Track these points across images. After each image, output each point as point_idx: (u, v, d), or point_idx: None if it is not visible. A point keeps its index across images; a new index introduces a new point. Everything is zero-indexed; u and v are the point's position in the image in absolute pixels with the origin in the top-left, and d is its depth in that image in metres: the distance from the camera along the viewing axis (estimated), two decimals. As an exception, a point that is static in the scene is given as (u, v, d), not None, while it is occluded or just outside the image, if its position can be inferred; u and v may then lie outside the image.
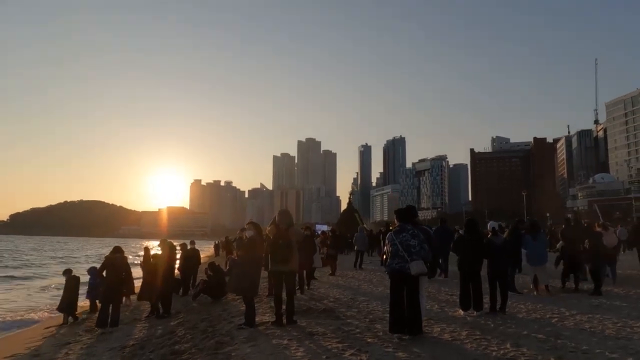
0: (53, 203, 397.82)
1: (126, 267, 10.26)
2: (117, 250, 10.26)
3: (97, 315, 10.35)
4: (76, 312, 11.85)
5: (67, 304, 11.48)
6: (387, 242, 6.20)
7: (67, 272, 12.01)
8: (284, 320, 7.07)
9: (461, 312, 7.98)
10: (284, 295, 7.24)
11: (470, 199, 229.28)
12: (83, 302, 13.07)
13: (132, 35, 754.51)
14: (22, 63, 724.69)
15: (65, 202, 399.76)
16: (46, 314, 15.08)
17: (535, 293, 10.46)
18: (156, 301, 10.46)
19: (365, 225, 55.66)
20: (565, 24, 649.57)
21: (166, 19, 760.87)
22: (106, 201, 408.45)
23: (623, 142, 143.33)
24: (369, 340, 5.98)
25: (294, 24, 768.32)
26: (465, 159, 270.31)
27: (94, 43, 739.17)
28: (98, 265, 11.20)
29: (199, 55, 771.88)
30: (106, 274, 9.99)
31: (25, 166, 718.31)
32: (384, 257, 6.41)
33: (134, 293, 12.25)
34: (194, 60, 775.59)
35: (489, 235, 8.47)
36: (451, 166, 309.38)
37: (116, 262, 9.98)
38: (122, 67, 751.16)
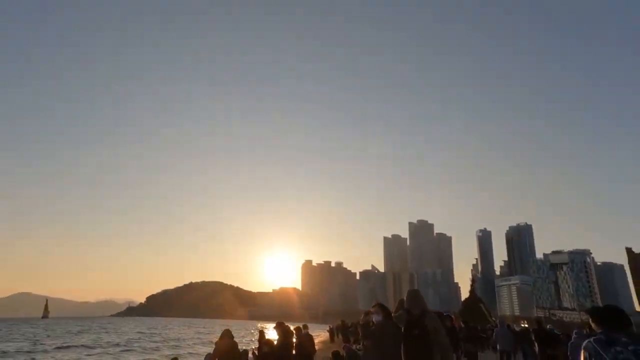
0: (180, 285, 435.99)
1: (237, 354, 9.54)
2: (227, 335, 9.56)
3: None
4: None
5: None
6: (585, 354, 4.12)
7: None
8: None
9: None
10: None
11: (636, 306, 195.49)
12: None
13: (236, 117, 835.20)
14: (147, 157, 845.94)
15: (191, 283, 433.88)
16: None
17: None
18: None
19: (494, 318, 50.25)
20: None
21: (276, 107, 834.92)
22: (224, 282, 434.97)
23: None
24: None
25: (405, 103, 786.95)
26: (616, 258, 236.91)
27: (201, 129, 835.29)
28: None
29: (312, 136, 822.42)
30: None
31: (158, 253, 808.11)
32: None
33: None
34: (307, 142, 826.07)
35: None
36: (598, 263, 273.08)
37: (226, 349, 9.31)
38: (235, 157, 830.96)
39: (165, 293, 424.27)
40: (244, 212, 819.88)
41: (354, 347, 20.56)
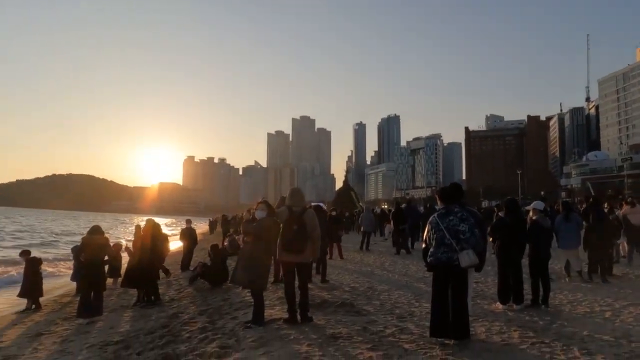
0: (40, 175, 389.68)
1: (108, 249, 9.11)
2: (96, 231, 8.99)
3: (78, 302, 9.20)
4: (40, 298, 10.32)
5: (28, 290, 10.04)
6: (428, 227, 5.04)
7: (25, 254, 10.45)
8: (298, 318, 5.99)
9: (500, 305, 6.93)
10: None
11: (464, 177, 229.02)
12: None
13: (126, 11, 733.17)
14: (19, 45, 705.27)
15: (54, 175, 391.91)
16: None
17: (567, 279, 9.53)
18: (143, 288, 9.30)
19: (362, 204, 54.76)
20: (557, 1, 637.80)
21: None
22: (96, 175, 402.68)
23: (614, 120, 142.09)
24: (406, 346, 4.85)
25: (289, 2, 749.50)
26: (460, 138, 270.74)
27: (86, 19, 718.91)
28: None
29: (195, 32, 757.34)
30: (85, 257, 8.79)
31: (16, 139, 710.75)
32: (423, 245, 5.25)
33: (119, 276, 11.13)
34: (190, 38, 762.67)
35: (534, 217, 7.37)
36: (445, 144, 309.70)
37: (94, 244, 8.75)
38: (115, 44, 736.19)
39: (19, 183, 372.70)
40: (118, 104, 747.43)
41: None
